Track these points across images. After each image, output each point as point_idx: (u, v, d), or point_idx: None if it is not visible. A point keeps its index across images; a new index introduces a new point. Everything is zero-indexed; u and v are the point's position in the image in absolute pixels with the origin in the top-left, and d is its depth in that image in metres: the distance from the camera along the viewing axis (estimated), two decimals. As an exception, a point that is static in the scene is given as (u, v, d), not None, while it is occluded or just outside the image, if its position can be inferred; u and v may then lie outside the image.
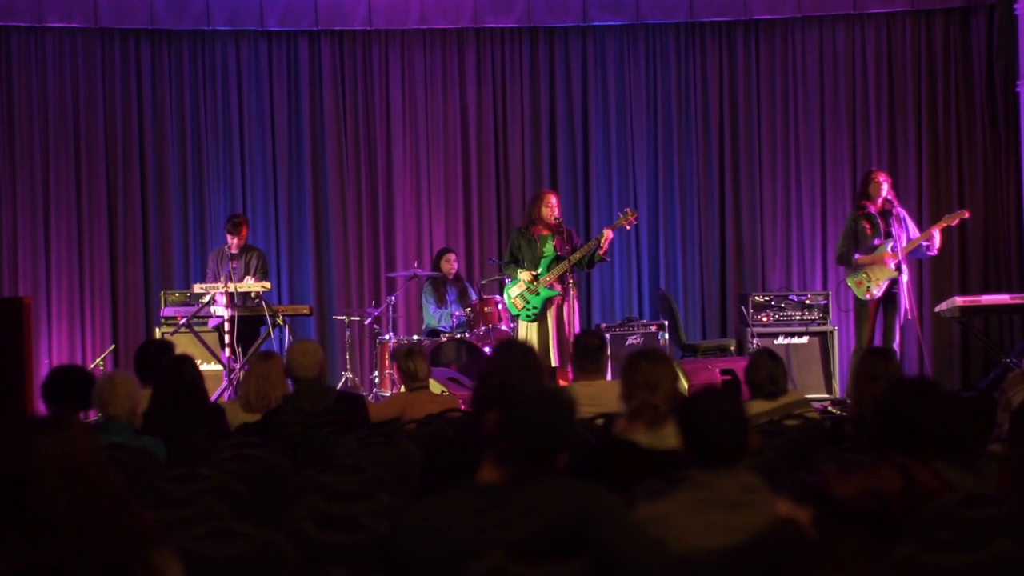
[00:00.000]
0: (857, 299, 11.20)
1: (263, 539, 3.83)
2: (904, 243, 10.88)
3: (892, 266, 10.89)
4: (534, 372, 4.97)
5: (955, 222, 11.37)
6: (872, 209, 11.05)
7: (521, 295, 10.90)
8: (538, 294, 10.84)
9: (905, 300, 11.02)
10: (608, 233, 10.90)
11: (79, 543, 2.70)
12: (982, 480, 4.15)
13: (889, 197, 11.08)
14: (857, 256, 11.05)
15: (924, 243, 10.99)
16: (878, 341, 11.15)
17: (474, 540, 3.37)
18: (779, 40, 13.74)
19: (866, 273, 11.01)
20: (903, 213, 11.12)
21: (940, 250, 11.41)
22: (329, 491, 4.75)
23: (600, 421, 6.36)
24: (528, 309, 10.88)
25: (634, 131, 13.80)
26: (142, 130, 13.34)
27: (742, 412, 3.85)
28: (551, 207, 10.97)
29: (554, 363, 10.74)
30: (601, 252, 10.86)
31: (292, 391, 6.99)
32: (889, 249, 10.90)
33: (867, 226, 11.06)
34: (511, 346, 5.27)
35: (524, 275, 10.86)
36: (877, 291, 11.00)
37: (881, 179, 11.11)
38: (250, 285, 11.46)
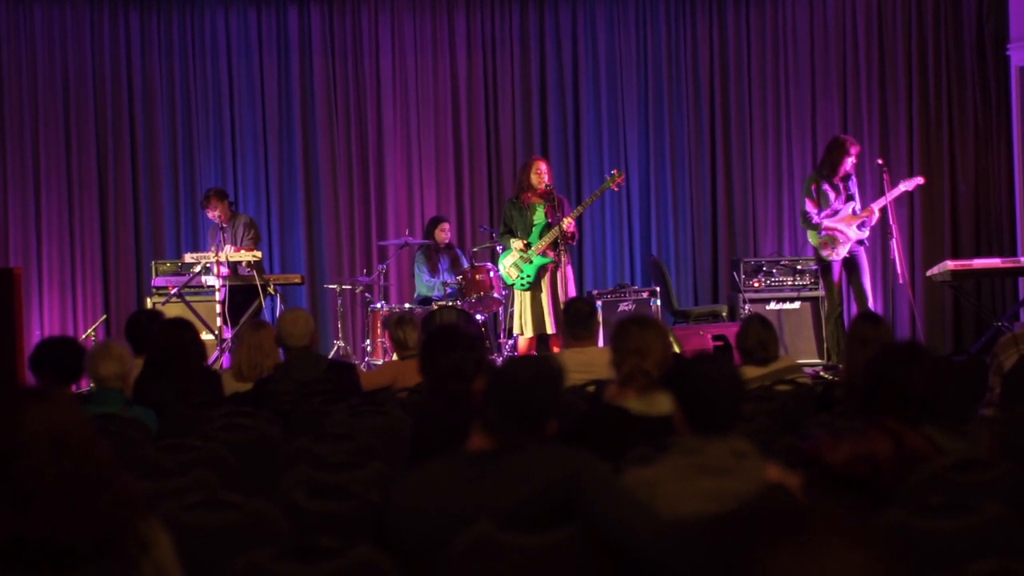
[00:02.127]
0: (822, 260, 11.17)
1: (253, 508, 3.82)
2: (860, 207, 10.96)
3: (855, 227, 10.93)
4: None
5: (912, 187, 11.37)
6: (839, 173, 11.03)
7: (515, 264, 10.87)
8: (531, 262, 10.81)
9: (898, 264, 11.05)
10: (568, 222, 10.80)
11: (67, 514, 2.69)
12: (973, 444, 4.16)
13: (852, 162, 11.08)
14: (823, 220, 11.00)
15: (865, 218, 10.98)
16: (853, 308, 11.20)
17: (464, 508, 3.37)
18: (769, 5, 13.68)
19: (831, 234, 10.98)
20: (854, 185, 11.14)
21: (875, 221, 11.28)
22: (320, 460, 4.74)
23: (591, 388, 6.36)
24: (522, 278, 10.86)
25: (625, 98, 13.75)
26: (132, 100, 13.27)
27: (739, 378, 3.85)
28: (540, 174, 10.92)
29: (550, 330, 10.73)
30: (568, 232, 10.79)
31: (283, 360, 6.99)
32: (850, 211, 10.94)
33: (828, 188, 11.05)
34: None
35: (516, 244, 10.83)
36: (843, 251, 10.99)
37: (852, 152, 11.05)
38: (241, 255, 11.46)
